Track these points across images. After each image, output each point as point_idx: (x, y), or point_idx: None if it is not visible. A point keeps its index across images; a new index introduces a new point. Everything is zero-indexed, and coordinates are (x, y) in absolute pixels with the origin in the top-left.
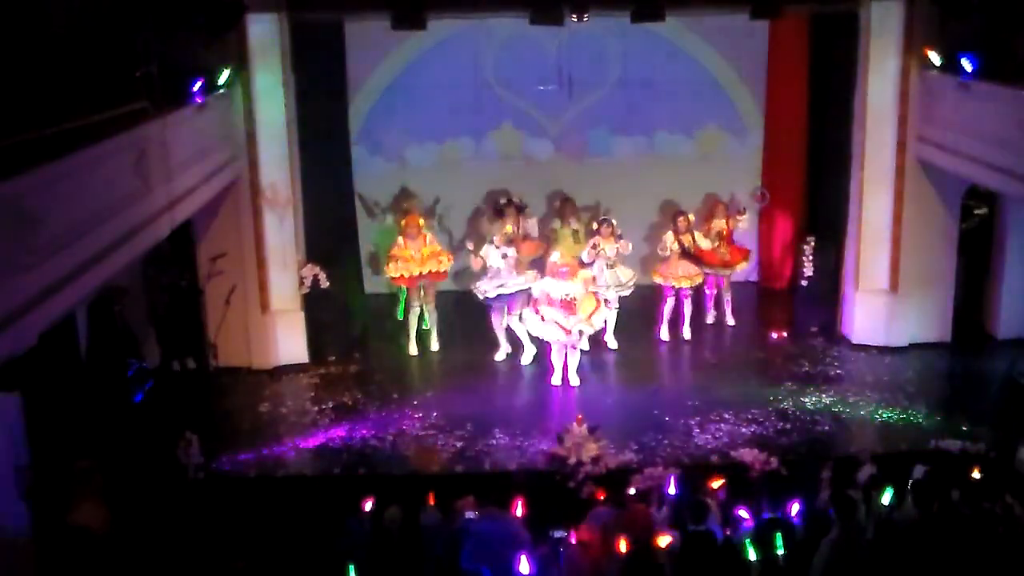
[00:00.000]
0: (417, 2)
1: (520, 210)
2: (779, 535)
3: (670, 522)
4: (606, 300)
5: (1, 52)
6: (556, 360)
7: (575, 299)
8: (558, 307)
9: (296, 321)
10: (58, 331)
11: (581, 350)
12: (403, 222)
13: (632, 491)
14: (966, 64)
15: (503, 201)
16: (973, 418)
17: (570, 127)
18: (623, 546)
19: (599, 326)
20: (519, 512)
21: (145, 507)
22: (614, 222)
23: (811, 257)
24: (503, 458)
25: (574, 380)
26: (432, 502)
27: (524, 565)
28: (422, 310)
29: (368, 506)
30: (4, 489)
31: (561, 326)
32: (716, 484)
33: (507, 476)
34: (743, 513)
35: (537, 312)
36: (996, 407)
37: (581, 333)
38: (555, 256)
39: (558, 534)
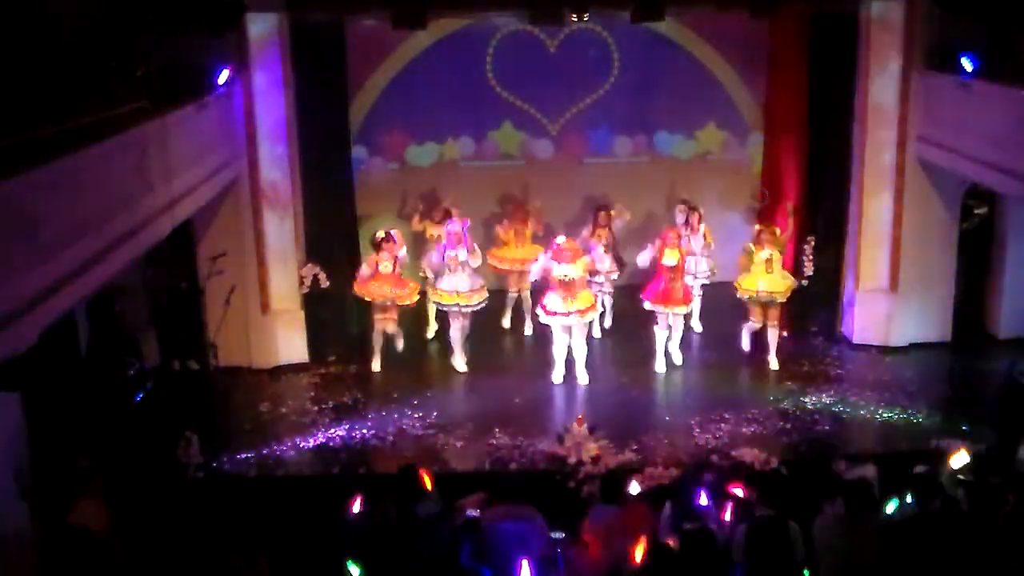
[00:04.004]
0: (417, 1)
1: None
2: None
3: (671, 521)
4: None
5: (1, 52)
6: (557, 356)
7: (574, 280)
8: (558, 288)
9: (296, 321)
10: (58, 331)
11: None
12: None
13: (633, 491)
14: (966, 64)
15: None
16: (973, 418)
17: (570, 127)
18: (638, 555)
19: (591, 318)
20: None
21: (145, 507)
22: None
23: (811, 257)
24: (503, 458)
25: (583, 378)
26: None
27: (525, 571)
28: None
29: (356, 506)
30: (4, 489)
31: (560, 312)
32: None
33: (507, 476)
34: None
35: (543, 306)
36: (996, 407)
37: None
38: (560, 239)
39: (558, 535)
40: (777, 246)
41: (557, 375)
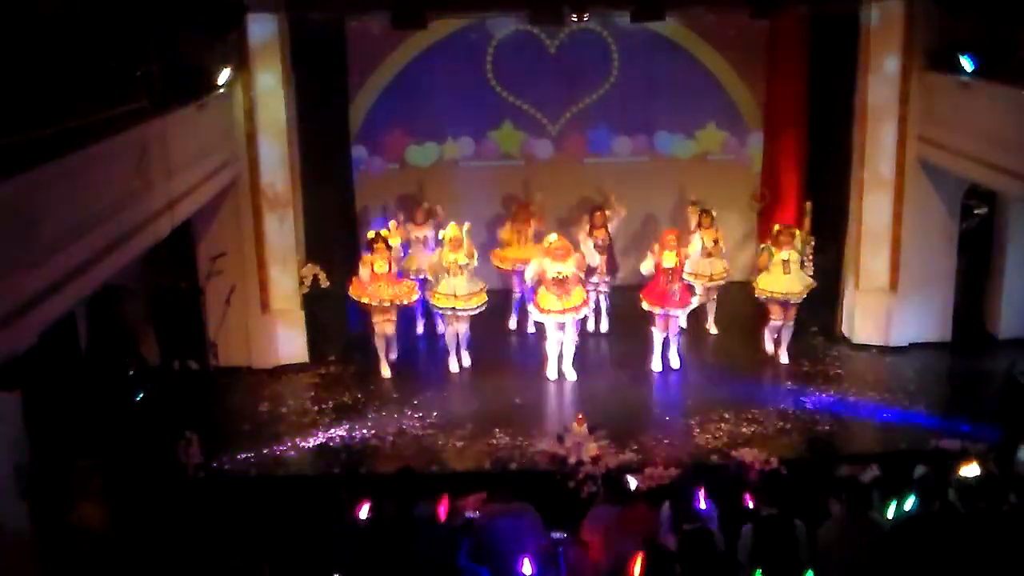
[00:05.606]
0: (417, 1)
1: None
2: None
3: (671, 522)
4: (690, 291)
5: (1, 51)
6: (551, 352)
7: (567, 278)
8: (552, 286)
9: (296, 321)
10: (58, 330)
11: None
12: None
13: (634, 490)
14: (966, 64)
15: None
16: (973, 418)
17: (570, 127)
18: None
19: (584, 315)
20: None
21: (145, 507)
22: (713, 213)
23: (811, 257)
24: (503, 458)
25: (571, 375)
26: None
27: (527, 567)
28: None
29: (364, 512)
30: (4, 489)
31: (554, 310)
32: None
33: (507, 475)
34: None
35: (537, 304)
36: (996, 407)
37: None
38: (552, 236)
39: (558, 535)
40: (796, 246)
41: (551, 371)
